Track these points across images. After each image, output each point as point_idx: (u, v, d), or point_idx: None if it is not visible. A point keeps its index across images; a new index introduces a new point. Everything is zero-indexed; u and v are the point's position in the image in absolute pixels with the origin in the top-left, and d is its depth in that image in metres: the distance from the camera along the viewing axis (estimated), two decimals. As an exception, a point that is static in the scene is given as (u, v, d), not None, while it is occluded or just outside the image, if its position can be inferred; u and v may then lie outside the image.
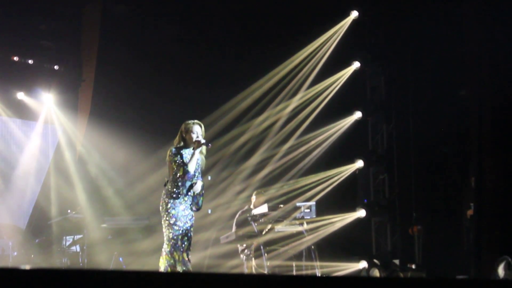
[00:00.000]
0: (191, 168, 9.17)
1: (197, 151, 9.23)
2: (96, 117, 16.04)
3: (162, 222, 9.23)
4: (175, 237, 9.10)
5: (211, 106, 15.46)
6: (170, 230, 9.12)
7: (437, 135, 14.72)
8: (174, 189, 9.17)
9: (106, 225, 14.34)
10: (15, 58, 15.95)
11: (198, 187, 9.33)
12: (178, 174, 9.20)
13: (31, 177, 15.99)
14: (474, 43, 13.84)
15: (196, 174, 9.34)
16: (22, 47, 15.96)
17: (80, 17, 16.68)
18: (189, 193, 9.23)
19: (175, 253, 9.11)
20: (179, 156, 9.20)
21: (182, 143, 9.35)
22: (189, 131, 9.31)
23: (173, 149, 9.27)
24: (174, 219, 9.10)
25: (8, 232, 14.57)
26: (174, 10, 15.81)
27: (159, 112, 15.60)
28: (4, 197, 15.56)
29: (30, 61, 16.16)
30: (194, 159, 9.20)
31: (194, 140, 9.24)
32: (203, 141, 9.24)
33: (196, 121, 9.43)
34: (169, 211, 9.13)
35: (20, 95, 16.03)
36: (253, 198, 13.62)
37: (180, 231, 9.12)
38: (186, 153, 9.26)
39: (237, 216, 13.41)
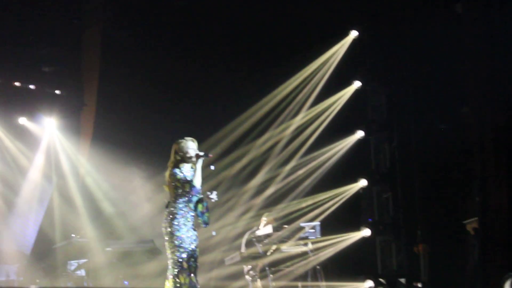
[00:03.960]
0: (197, 182, 9.13)
1: (199, 164, 9.19)
2: (98, 141, 16.05)
3: (166, 245, 9.12)
4: (180, 260, 9.01)
5: (212, 127, 15.48)
6: (176, 253, 9.02)
7: (440, 153, 14.68)
8: (177, 210, 9.11)
9: (111, 249, 14.29)
10: (17, 84, 15.98)
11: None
12: (182, 191, 9.13)
13: (35, 202, 15.98)
14: (474, 60, 13.84)
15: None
16: (23, 73, 15.99)
17: (80, 42, 16.71)
18: (192, 213, 9.17)
19: (181, 276, 9.02)
20: (181, 173, 9.16)
21: (179, 161, 9.28)
22: (184, 148, 9.25)
23: (173, 169, 9.20)
24: (179, 241, 9.01)
25: (12, 257, 14.56)
26: (173, 32, 15.86)
27: (161, 134, 15.54)
28: (8, 223, 15.55)
29: (32, 86, 16.19)
30: (198, 172, 9.16)
31: (192, 155, 9.18)
32: (201, 153, 9.20)
33: (187, 137, 9.37)
34: (173, 233, 9.03)
35: (22, 120, 16.07)
36: (263, 219, 13.62)
37: (186, 253, 9.05)
38: (186, 170, 9.22)
39: (245, 236, 13.40)
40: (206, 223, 9.30)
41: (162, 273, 9.48)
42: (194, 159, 9.19)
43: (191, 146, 9.26)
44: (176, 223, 9.06)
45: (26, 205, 15.86)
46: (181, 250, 9.02)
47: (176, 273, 9.02)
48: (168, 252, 9.11)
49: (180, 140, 9.33)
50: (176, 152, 9.30)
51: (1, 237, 15.23)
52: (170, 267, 9.08)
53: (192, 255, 9.10)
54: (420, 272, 14.63)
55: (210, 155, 9.29)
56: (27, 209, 15.88)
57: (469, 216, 13.82)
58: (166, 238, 9.11)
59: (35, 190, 16.02)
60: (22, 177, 15.95)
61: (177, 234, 9.03)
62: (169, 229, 9.09)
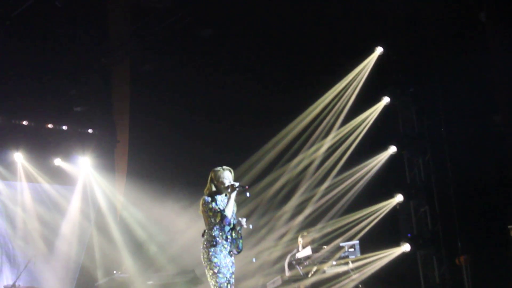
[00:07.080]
0: (228, 212, 9.12)
1: (233, 195, 9.19)
2: (133, 176, 16.17)
3: (206, 272, 9.17)
4: (221, 285, 9.07)
5: (246, 153, 15.51)
6: (216, 279, 9.08)
7: (474, 161, 14.53)
8: (213, 238, 9.14)
9: (152, 282, 14.31)
10: (49, 126, 16.16)
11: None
12: (215, 221, 9.16)
13: (75, 240, 16.08)
14: (502, 67, 13.78)
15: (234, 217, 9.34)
16: (55, 114, 16.17)
17: (109, 80, 16.88)
18: (228, 239, 9.20)
19: (222, 300, 9.10)
20: (213, 203, 9.16)
21: (214, 190, 9.30)
22: (220, 178, 9.27)
23: (206, 198, 9.21)
24: (218, 267, 9.06)
25: (56, 297, 14.67)
26: (199, 62, 15.95)
27: (195, 163, 15.64)
28: (49, 262, 15.64)
29: (64, 127, 16.37)
30: (231, 203, 9.14)
31: (226, 185, 9.20)
32: (236, 184, 9.20)
33: (225, 167, 9.37)
34: (211, 260, 9.08)
35: (57, 161, 16.22)
36: (300, 240, 13.63)
37: (225, 279, 9.10)
38: (220, 199, 9.23)
39: (287, 259, 13.42)
40: (239, 250, 9.31)
41: (204, 302, 9.51)
42: (229, 190, 9.19)
43: (227, 176, 9.25)
44: (212, 250, 9.10)
45: (66, 244, 15.97)
46: (220, 275, 9.06)
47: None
48: (209, 279, 9.16)
49: (217, 169, 9.33)
50: (211, 180, 9.32)
51: (43, 277, 15.34)
52: (212, 292, 9.15)
53: (229, 281, 9.15)
54: (463, 283, 14.49)
55: (247, 187, 9.24)
56: (68, 248, 15.99)
57: (508, 223, 13.67)
58: (205, 265, 9.16)
59: (75, 229, 16.15)
60: (61, 217, 16.08)
61: (215, 260, 9.07)
62: (206, 257, 9.13)
